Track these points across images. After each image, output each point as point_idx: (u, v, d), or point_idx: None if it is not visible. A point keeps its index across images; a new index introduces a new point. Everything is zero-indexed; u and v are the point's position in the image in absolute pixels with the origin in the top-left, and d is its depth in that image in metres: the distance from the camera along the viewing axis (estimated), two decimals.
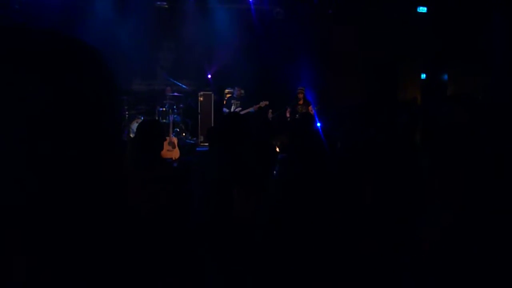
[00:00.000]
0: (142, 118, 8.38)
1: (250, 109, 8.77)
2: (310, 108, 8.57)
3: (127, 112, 8.38)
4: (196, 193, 2.87)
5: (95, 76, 0.63)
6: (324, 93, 9.01)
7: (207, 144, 4.26)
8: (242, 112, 8.78)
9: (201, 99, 9.45)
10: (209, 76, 9.74)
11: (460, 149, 1.99)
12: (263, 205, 2.56)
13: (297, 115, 8.36)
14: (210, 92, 9.50)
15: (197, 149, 8.45)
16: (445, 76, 9.10)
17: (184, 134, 8.99)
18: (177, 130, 8.77)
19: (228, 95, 9.29)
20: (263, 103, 8.70)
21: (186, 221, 2.87)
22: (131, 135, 7.92)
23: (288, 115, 8.70)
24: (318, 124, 4.50)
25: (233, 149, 2.90)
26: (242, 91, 9.04)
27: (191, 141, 8.81)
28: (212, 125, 8.63)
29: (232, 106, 8.93)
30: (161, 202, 3.05)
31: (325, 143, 3.58)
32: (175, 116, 8.73)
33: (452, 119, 2.08)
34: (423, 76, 9.45)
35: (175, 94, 9.12)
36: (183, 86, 9.32)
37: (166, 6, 9.57)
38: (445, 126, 2.09)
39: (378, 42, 9.22)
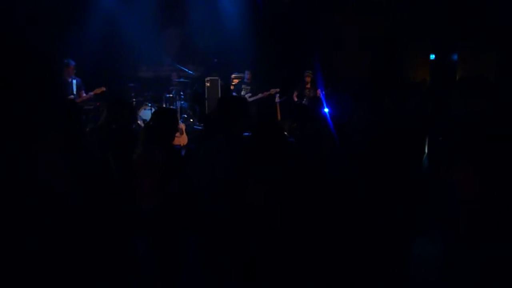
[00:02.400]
0: (150, 105, 8.38)
1: (259, 96, 8.71)
2: (318, 91, 8.49)
3: (134, 99, 8.37)
4: (203, 181, 2.82)
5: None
6: (332, 76, 8.91)
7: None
8: (251, 99, 8.73)
9: (208, 84, 9.41)
10: (215, 60, 9.64)
11: (477, 139, 1.95)
12: (275, 192, 2.53)
13: (304, 99, 8.29)
14: (217, 78, 9.45)
15: None
16: (455, 56, 8.94)
17: (191, 120, 8.98)
18: (184, 116, 8.76)
19: (235, 80, 9.23)
20: (273, 90, 8.62)
21: (195, 209, 2.86)
22: (139, 122, 7.93)
23: (295, 99, 8.63)
24: (326, 110, 4.44)
25: (238, 136, 2.85)
26: (251, 76, 8.97)
27: (199, 127, 8.79)
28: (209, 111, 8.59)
29: (242, 91, 8.86)
30: (171, 190, 3.06)
31: (333, 128, 3.54)
32: (182, 102, 8.71)
33: (467, 107, 2.03)
34: (432, 56, 9.30)
35: (182, 80, 9.09)
36: (190, 71, 9.28)
37: None
38: (460, 115, 2.05)
39: (386, 23, 9.08)
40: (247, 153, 2.70)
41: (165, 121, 3.14)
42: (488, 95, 2.10)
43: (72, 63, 6.95)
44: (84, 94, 7.06)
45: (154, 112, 3.42)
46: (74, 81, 7.01)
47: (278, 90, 8.64)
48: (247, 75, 8.81)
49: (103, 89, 7.13)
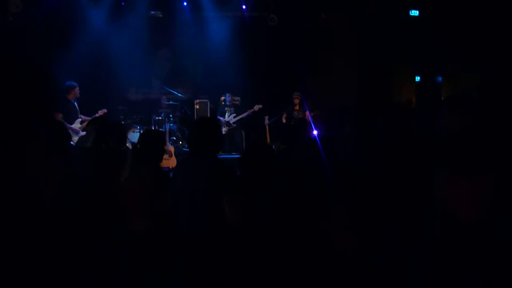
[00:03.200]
0: (138, 127, 8.37)
1: (244, 115, 8.78)
2: (307, 113, 8.58)
3: (123, 122, 8.36)
4: (182, 202, 2.84)
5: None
6: (320, 98, 9.03)
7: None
8: (236, 118, 8.79)
9: (197, 107, 9.46)
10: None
11: (465, 154, 2.00)
12: (255, 213, 2.56)
13: (292, 122, 8.37)
14: (206, 100, 9.51)
15: None
16: (439, 78, 9.14)
17: (180, 142, 8.98)
18: (173, 139, 8.76)
19: (223, 103, 9.31)
20: (256, 107, 8.70)
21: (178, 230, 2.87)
22: (128, 145, 7.90)
23: (284, 121, 8.70)
24: (315, 132, 4.49)
25: (214, 156, 2.91)
26: (237, 98, 9.05)
27: (188, 149, 8.81)
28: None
29: (226, 114, 8.94)
30: (159, 212, 3.04)
31: (321, 150, 3.57)
32: (171, 124, 8.72)
33: (452, 124, 2.09)
34: (418, 78, 9.49)
35: (171, 102, 9.12)
36: (179, 94, 9.32)
37: (160, 15, 9.58)
38: (444, 131, 2.11)
39: (372, 46, 9.27)
40: (226, 174, 2.75)
41: (152, 143, 3.16)
42: (472, 111, 2.17)
43: (76, 85, 7.06)
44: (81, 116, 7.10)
45: (141, 134, 3.43)
46: (75, 103, 7.12)
47: (261, 106, 8.70)
48: (228, 97, 8.93)
49: (105, 111, 7.19)
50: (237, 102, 9.18)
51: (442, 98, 8.34)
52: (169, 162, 7.91)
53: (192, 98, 9.65)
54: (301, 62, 9.64)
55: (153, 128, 8.24)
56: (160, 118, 8.66)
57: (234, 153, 8.56)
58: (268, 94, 9.40)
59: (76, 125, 7.02)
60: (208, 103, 9.47)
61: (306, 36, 9.66)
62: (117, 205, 3.13)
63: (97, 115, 7.16)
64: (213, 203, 2.65)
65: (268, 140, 8.61)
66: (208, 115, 9.34)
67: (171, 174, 6.27)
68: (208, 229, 2.67)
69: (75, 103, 7.12)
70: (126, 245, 3.05)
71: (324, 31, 9.49)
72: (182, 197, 2.81)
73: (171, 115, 8.88)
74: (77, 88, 7.03)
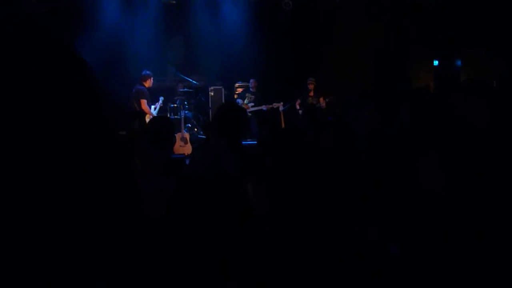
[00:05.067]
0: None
1: (263, 107, 8.72)
2: (322, 99, 8.49)
3: (137, 109, 8.40)
4: (203, 189, 2.80)
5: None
6: (334, 83, 8.92)
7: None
8: (254, 108, 8.74)
9: (212, 93, 9.44)
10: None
11: (476, 145, 1.94)
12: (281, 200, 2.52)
13: (305, 108, 8.30)
14: (221, 87, 9.48)
15: None
16: (458, 62, 8.93)
17: (196, 129, 9.01)
18: (188, 126, 8.79)
19: (238, 89, 9.25)
20: (276, 105, 8.63)
21: (197, 219, 2.85)
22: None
23: (298, 107, 8.63)
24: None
25: (237, 142, 2.83)
26: (257, 84, 8.99)
27: (203, 136, 8.81)
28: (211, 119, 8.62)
29: (246, 99, 8.89)
30: (169, 201, 3.06)
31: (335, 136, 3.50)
32: (186, 112, 8.75)
33: (468, 110, 2.03)
34: (436, 62, 9.29)
35: (186, 90, 9.13)
36: (193, 81, 9.32)
37: (174, 1, 9.55)
38: (460, 118, 2.05)
39: (389, 29, 9.10)
40: (251, 160, 2.69)
41: (159, 129, 3.15)
42: (488, 97, 2.10)
43: (151, 74, 7.78)
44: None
45: (148, 121, 3.43)
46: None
47: (281, 104, 8.65)
48: (252, 83, 8.86)
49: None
50: (256, 89, 9.10)
51: (461, 82, 8.16)
52: (185, 149, 7.96)
53: (207, 85, 9.63)
54: (316, 47, 9.52)
55: (168, 115, 8.27)
56: (175, 105, 8.68)
57: (249, 140, 8.56)
58: (282, 79, 9.32)
59: (152, 112, 7.64)
60: (223, 89, 9.45)
61: (321, 21, 9.51)
62: (130, 192, 3.16)
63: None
64: (238, 190, 2.60)
65: (283, 126, 8.57)
66: (223, 101, 9.32)
67: (187, 161, 6.31)
68: (233, 216, 2.62)
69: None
70: (140, 231, 3.08)
71: (339, 16, 9.34)
72: (203, 184, 2.75)
73: (186, 102, 8.90)
74: (152, 77, 7.67)
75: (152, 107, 7.77)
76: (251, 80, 8.87)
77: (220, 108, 2.95)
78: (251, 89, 8.89)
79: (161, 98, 8.10)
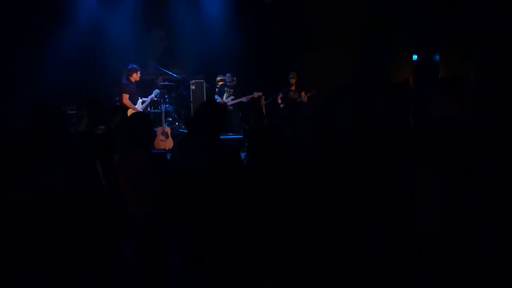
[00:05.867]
0: None
1: (243, 99, 8.68)
2: (303, 93, 8.51)
3: (118, 103, 8.29)
4: (183, 184, 2.78)
5: None
6: (316, 77, 8.95)
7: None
8: (234, 101, 8.71)
9: (193, 87, 9.37)
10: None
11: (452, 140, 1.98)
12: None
13: (286, 102, 8.31)
14: (202, 80, 9.41)
15: None
16: (437, 57, 9.05)
17: (177, 123, 8.94)
18: (169, 120, 8.72)
19: (220, 83, 9.20)
20: (256, 94, 8.58)
21: (181, 216, 2.83)
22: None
23: (280, 101, 8.64)
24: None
25: (216, 138, 2.84)
26: (235, 78, 8.92)
27: (184, 131, 8.75)
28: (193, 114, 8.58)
29: (225, 94, 8.85)
30: (154, 194, 3.03)
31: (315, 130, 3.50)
32: (167, 105, 8.66)
33: (443, 108, 2.06)
34: (415, 57, 9.40)
35: (166, 83, 9.04)
36: (174, 75, 9.23)
37: None
38: (436, 114, 2.08)
39: (370, 24, 9.16)
40: (231, 157, 2.69)
41: (139, 125, 3.12)
42: (463, 96, 2.14)
43: (138, 68, 7.44)
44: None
45: (128, 117, 3.39)
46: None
47: (261, 93, 8.61)
48: (228, 77, 8.81)
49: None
50: (235, 82, 9.07)
51: (437, 79, 8.29)
52: (166, 143, 7.89)
53: (188, 78, 9.55)
54: (297, 41, 9.53)
55: (148, 109, 8.18)
56: (156, 99, 8.59)
57: (230, 134, 8.54)
58: (264, 73, 9.31)
59: (138, 106, 7.41)
60: (204, 83, 9.38)
61: (301, 14, 9.52)
62: (112, 189, 3.12)
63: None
64: (217, 186, 2.60)
65: (265, 121, 8.56)
66: (204, 95, 9.26)
67: (168, 156, 6.27)
68: (213, 211, 2.62)
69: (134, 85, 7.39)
70: (127, 228, 3.05)
71: (320, 10, 9.35)
72: (183, 179, 2.75)
73: (166, 96, 8.81)
74: (139, 71, 7.36)
75: (140, 101, 7.49)
76: (228, 74, 8.81)
77: (200, 106, 2.98)
78: (228, 83, 8.84)
79: (155, 91, 7.88)
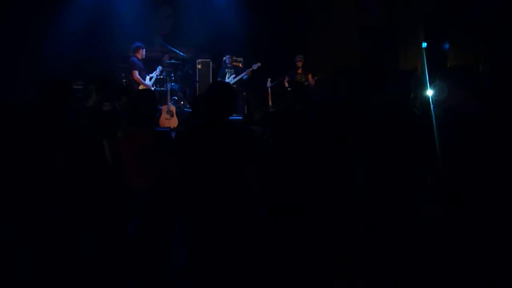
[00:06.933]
0: None
1: (243, 74, 8.62)
2: (310, 77, 8.47)
3: (124, 80, 8.28)
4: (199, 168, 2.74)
5: None
6: (323, 61, 8.88)
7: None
8: (236, 79, 8.67)
9: (199, 66, 9.33)
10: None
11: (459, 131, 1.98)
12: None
13: (293, 85, 8.26)
14: (209, 60, 9.36)
15: None
16: (446, 45, 8.94)
17: (182, 102, 8.93)
18: (174, 98, 8.71)
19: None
20: (255, 66, 8.50)
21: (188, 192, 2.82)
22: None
23: (286, 84, 8.60)
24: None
25: (227, 117, 2.79)
26: (239, 59, 8.87)
27: (189, 110, 8.75)
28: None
29: (226, 75, 8.81)
30: (158, 171, 3.05)
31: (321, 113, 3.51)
32: (172, 84, 8.64)
33: (449, 96, 2.06)
34: (424, 45, 9.29)
35: (173, 61, 9.00)
36: (181, 53, 9.18)
37: None
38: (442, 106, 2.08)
39: (378, 10, 9.04)
40: (247, 140, 2.66)
41: (143, 102, 3.13)
42: (469, 85, 2.14)
43: (143, 46, 7.76)
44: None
45: (132, 95, 3.40)
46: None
47: (259, 64, 8.50)
48: (228, 59, 8.75)
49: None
50: (239, 64, 9.01)
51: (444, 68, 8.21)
52: (171, 122, 7.91)
53: (194, 57, 9.50)
54: (305, 24, 9.43)
55: (153, 87, 8.17)
56: (161, 77, 8.57)
57: (235, 115, 8.53)
58: (271, 56, 9.24)
59: (147, 81, 7.77)
60: (211, 62, 9.33)
61: None
62: (116, 166, 3.15)
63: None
64: (234, 169, 2.55)
65: (270, 103, 8.55)
66: (211, 75, 9.23)
67: (172, 134, 6.29)
68: (231, 196, 2.57)
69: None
70: (131, 205, 3.09)
71: None
72: (195, 160, 2.67)
73: (172, 74, 8.78)
74: (144, 49, 7.71)
75: (147, 77, 7.83)
76: (227, 56, 8.75)
77: (210, 86, 2.91)
78: (228, 64, 8.79)
79: (159, 68, 8.15)
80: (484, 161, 1.96)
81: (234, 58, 8.86)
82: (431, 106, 2.39)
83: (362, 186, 2.59)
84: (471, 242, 1.99)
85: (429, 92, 2.91)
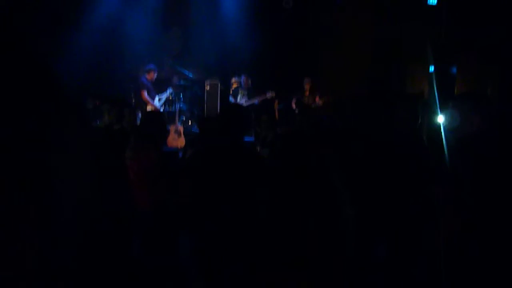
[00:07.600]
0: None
1: (254, 101, 8.67)
2: (317, 98, 8.51)
3: (133, 100, 8.37)
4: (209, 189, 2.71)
5: None
6: (331, 84, 8.94)
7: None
8: (247, 103, 8.71)
9: (208, 88, 9.41)
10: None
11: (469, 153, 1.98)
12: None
13: (300, 107, 8.29)
14: (217, 81, 9.45)
15: None
16: (454, 69, 8.99)
17: (190, 122, 8.99)
18: (183, 119, 8.77)
19: (234, 85, 9.23)
20: (269, 95, 8.57)
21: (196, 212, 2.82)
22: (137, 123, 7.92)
23: (294, 106, 8.63)
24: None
25: (241, 139, 2.79)
26: (250, 81, 8.92)
27: (197, 130, 8.80)
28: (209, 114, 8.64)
29: (239, 96, 8.86)
30: (164, 192, 3.06)
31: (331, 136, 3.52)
32: (181, 104, 8.72)
33: (462, 123, 2.07)
34: (431, 69, 9.34)
35: (182, 82, 9.10)
36: (189, 74, 9.28)
37: None
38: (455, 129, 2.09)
39: (386, 33, 9.13)
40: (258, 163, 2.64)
41: (152, 124, 3.17)
42: (483, 111, 2.14)
43: (155, 68, 8.06)
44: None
45: (142, 116, 3.45)
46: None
47: (273, 94, 8.58)
48: (243, 79, 8.79)
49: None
50: (249, 84, 9.07)
51: (455, 93, 8.22)
52: (178, 142, 7.94)
53: (203, 78, 9.60)
54: (314, 47, 9.53)
55: (163, 108, 8.25)
56: (170, 97, 8.66)
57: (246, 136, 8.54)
58: (279, 78, 9.31)
59: (155, 102, 8.01)
60: (219, 84, 9.42)
61: (320, 21, 9.53)
62: (123, 184, 3.16)
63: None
64: (245, 192, 2.53)
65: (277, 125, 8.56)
66: (219, 96, 9.29)
67: (180, 154, 6.29)
68: (239, 219, 2.56)
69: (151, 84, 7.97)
70: (136, 224, 3.08)
71: (338, 18, 9.35)
72: (205, 181, 2.67)
73: (181, 95, 8.87)
74: (156, 72, 8.00)
75: (157, 98, 8.03)
76: (243, 76, 8.77)
77: (224, 108, 2.94)
78: (243, 85, 8.83)
79: (169, 89, 8.34)
80: (505, 191, 1.95)
81: (249, 79, 8.82)
82: (442, 133, 2.38)
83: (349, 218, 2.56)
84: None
85: (440, 119, 2.90)
